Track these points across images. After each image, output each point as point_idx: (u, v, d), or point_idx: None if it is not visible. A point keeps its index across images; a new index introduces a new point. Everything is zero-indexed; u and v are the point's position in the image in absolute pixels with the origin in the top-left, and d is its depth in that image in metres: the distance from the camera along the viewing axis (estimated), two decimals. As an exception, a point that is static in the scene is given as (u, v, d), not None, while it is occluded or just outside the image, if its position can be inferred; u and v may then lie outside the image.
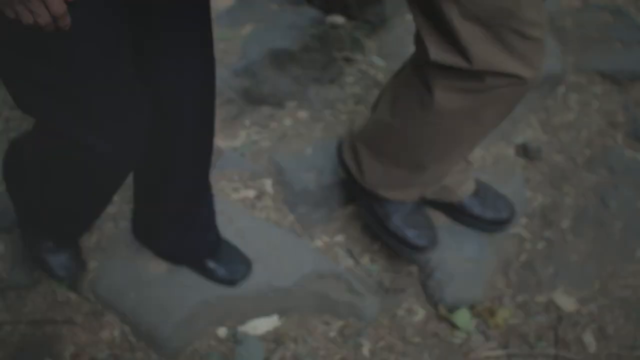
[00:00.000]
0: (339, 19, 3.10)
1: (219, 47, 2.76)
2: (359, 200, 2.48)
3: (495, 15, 1.87)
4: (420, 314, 2.47)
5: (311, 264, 2.39)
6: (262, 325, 2.38)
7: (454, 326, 2.44)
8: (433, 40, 1.96)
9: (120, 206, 2.50)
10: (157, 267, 2.35)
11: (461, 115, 2.07)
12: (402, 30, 3.01)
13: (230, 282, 2.31)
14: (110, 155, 1.76)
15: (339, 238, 2.58)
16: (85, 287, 2.36)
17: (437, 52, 1.97)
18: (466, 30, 1.90)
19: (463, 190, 2.50)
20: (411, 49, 2.12)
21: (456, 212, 2.55)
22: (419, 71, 2.07)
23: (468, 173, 2.50)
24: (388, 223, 2.41)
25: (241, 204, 2.56)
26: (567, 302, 2.49)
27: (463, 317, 2.44)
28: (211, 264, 2.31)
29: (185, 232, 2.26)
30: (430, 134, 2.16)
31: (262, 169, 2.64)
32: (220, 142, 2.67)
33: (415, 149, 2.22)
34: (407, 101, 2.15)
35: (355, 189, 2.45)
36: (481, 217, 2.53)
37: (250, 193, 2.59)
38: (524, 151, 2.81)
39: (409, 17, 3.05)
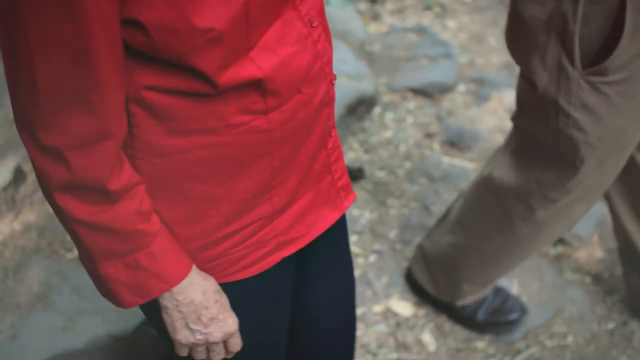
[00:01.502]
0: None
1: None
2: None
3: None
4: (264, 340, 2.53)
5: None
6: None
7: (298, 347, 2.51)
8: None
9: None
10: (-4, 335, 2.36)
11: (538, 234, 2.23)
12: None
13: None
14: None
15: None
16: None
17: None
18: None
19: None
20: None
21: None
22: (502, 200, 2.19)
23: None
24: (477, 320, 2.54)
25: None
26: (403, 308, 2.60)
27: (305, 337, 2.51)
28: None
29: None
30: (506, 252, 2.31)
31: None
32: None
33: (490, 267, 2.37)
34: (482, 225, 2.29)
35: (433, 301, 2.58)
36: None
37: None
38: (348, 172, 2.91)
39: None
